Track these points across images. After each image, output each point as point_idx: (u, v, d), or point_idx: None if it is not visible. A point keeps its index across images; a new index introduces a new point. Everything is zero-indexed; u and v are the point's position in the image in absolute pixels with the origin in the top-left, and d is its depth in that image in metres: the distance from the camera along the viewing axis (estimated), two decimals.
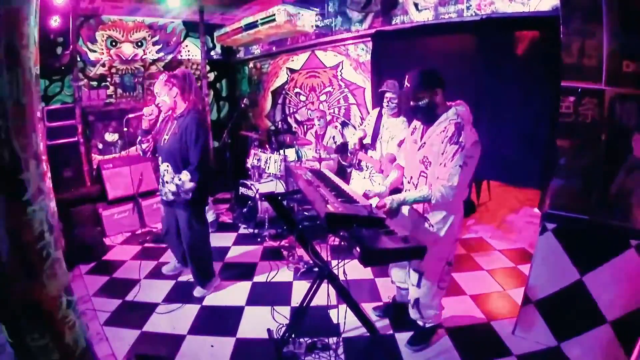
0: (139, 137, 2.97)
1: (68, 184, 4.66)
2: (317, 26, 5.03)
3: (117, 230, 4.55)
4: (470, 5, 3.68)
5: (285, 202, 3.91)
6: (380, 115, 3.45)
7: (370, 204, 1.87)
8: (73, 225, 4.04)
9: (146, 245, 4.26)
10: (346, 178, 4.00)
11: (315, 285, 2.25)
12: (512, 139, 3.62)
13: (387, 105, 3.31)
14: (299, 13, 4.68)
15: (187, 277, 3.38)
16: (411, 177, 2.21)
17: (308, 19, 4.80)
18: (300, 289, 3.19)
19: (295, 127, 6.21)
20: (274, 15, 4.59)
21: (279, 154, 4.45)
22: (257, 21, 4.84)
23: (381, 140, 3.40)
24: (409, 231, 1.88)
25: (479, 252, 3.88)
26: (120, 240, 4.41)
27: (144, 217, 4.70)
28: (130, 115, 3.04)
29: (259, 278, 3.47)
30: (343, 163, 4.22)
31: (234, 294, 3.21)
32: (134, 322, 2.78)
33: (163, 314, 2.90)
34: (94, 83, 5.13)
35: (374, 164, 3.44)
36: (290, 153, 4.84)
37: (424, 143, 2.11)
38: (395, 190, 2.36)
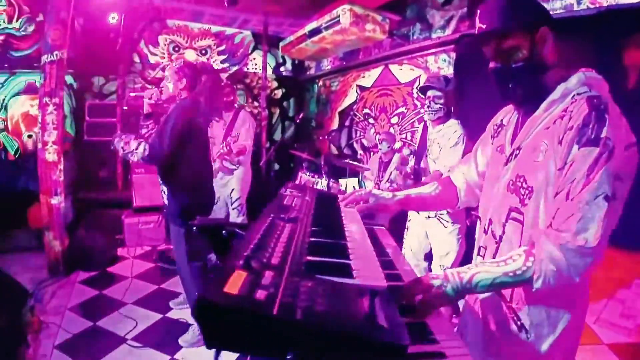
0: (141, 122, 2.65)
1: (101, 185, 4.40)
2: (392, 34, 4.26)
3: (138, 241, 4.09)
4: None
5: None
6: (425, 128, 2.47)
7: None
8: (88, 228, 3.66)
9: (159, 264, 3.70)
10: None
11: None
12: None
13: (428, 107, 2.30)
14: (368, 15, 3.97)
15: (181, 315, 2.80)
16: (489, 222, 1.06)
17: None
18: None
19: (360, 154, 5.39)
20: (339, 16, 3.94)
21: (331, 180, 3.65)
22: (320, 25, 4.25)
23: (432, 158, 2.40)
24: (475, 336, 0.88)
25: (582, 345, 2.52)
26: (137, 253, 3.93)
27: (170, 233, 4.19)
28: (132, 94, 2.72)
29: None
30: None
31: None
32: (85, 356, 2.29)
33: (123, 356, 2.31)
34: (151, 87, 4.94)
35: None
36: (349, 182, 4.01)
37: (518, 148, 0.99)
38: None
